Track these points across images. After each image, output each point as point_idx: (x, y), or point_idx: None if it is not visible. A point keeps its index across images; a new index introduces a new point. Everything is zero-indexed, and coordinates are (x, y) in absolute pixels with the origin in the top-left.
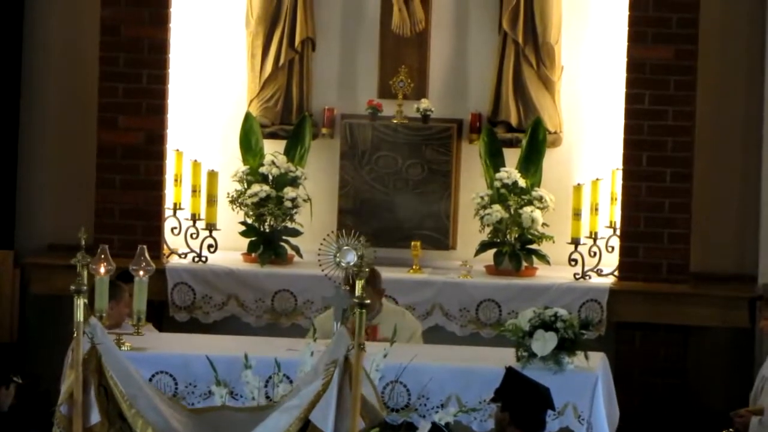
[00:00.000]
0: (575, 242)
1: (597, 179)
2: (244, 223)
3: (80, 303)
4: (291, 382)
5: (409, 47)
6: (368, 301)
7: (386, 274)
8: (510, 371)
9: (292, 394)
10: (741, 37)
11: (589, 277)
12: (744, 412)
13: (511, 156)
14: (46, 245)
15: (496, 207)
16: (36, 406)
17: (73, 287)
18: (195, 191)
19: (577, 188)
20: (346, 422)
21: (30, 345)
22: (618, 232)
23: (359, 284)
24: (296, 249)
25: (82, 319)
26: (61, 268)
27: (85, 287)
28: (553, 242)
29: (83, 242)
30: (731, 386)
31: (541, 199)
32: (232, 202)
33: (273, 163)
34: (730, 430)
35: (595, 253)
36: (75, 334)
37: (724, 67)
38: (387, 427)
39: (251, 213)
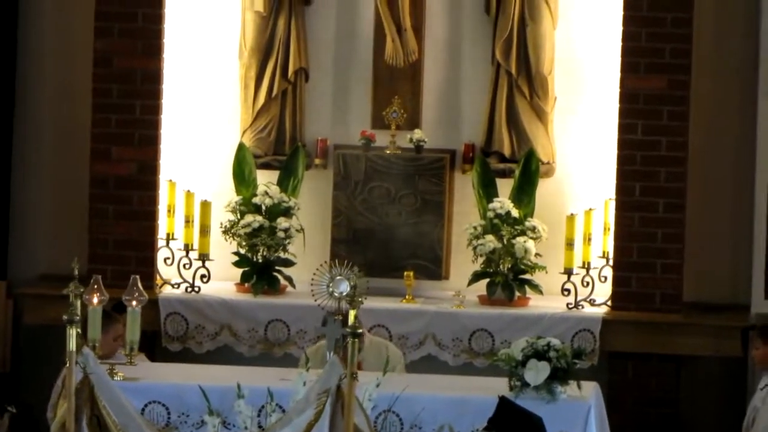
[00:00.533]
0: (568, 272)
1: (590, 209)
2: (237, 253)
3: (73, 333)
4: (284, 411)
5: (402, 78)
6: (360, 331)
7: (379, 303)
8: (503, 400)
9: (283, 423)
10: (733, 68)
11: (582, 307)
12: None
13: (504, 186)
14: (39, 275)
15: (489, 237)
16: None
17: (65, 317)
18: (188, 221)
19: (570, 218)
20: None
21: (23, 375)
22: (611, 262)
23: (352, 314)
24: (289, 279)
25: (74, 349)
26: (54, 299)
27: (77, 317)
28: (546, 272)
29: (76, 272)
30: (724, 416)
31: (534, 229)
32: (225, 232)
33: (266, 193)
34: None
35: (587, 283)
36: (67, 364)
37: (716, 97)
38: None
39: (244, 243)
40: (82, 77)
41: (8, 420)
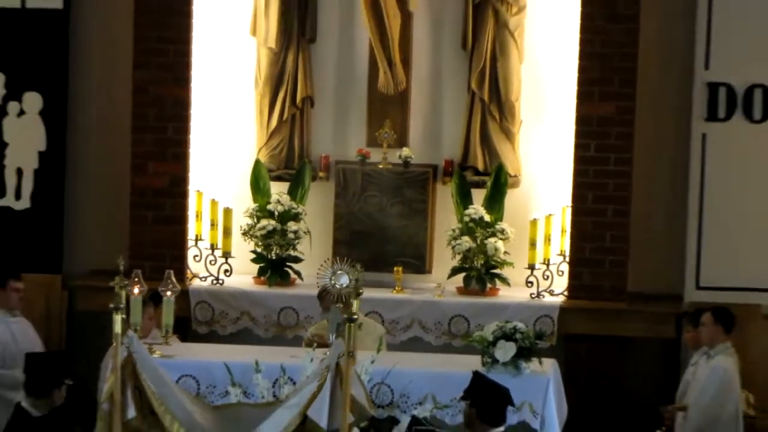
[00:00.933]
0: (531, 267)
1: (550, 215)
2: (254, 251)
3: (118, 318)
4: (294, 383)
5: (393, 104)
6: (356, 316)
7: (373, 294)
8: (476, 375)
9: (294, 394)
10: (672, 96)
11: (543, 297)
12: (671, 408)
13: (478, 195)
14: (89, 270)
15: (465, 238)
16: (82, 403)
17: (112, 305)
18: (213, 225)
19: (533, 222)
20: (337, 416)
21: (76, 353)
22: (567, 259)
23: (356, 303)
24: (298, 273)
25: (120, 332)
26: (102, 290)
27: (122, 305)
28: (513, 267)
29: (120, 268)
30: (661, 388)
31: (502, 231)
32: (245, 234)
33: (278, 201)
34: (663, 428)
35: (547, 277)
36: (114, 344)
37: (657, 120)
38: (375, 421)
39: (260, 243)
40: (123, 103)
41: (65, 390)
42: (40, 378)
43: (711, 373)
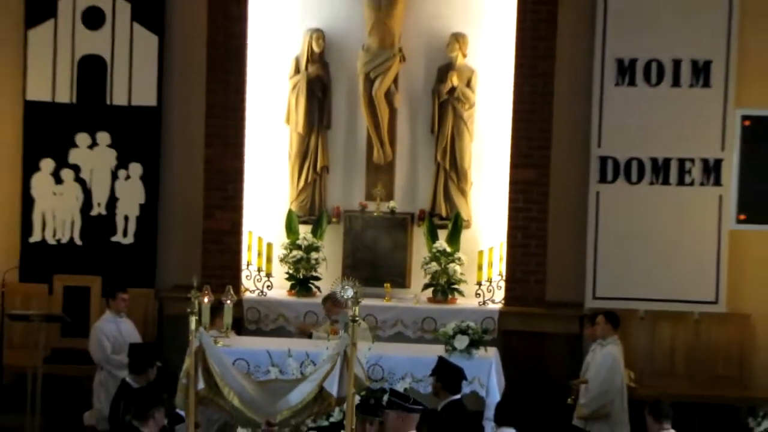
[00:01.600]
0: (479, 284)
1: (491, 247)
2: (287, 273)
3: (193, 319)
4: (315, 364)
5: (383, 171)
6: (357, 318)
7: (370, 302)
8: (441, 359)
9: (314, 372)
10: (575, 164)
11: (488, 304)
12: (576, 382)
13: (442, 234)
14: (173, 285)
15: (434, 263)
16: (168, 379)
17: (189, 310)
18: (259, 255)
19: (480, 253)
20: (344, 388)
21: (164, 345)
22: (504, 278)
23: (355, 309)
24: (318, 288)
25: (194, 328)
26: (182, 299)
27: (196, 310)
28: (466, 284)
29: (195, 284)
30: (569, 369)
31: (459, 259)
32: (281, 260)
33: (304, 238)
34: (571, 397)
35: (491, 290)
36: (190, 338)
37: (565, 181)
38: (370, 391)
39: (292, 267)
40: (197, 170)
41: (156, 370)
42: (139, 360)
43: (603, 358)
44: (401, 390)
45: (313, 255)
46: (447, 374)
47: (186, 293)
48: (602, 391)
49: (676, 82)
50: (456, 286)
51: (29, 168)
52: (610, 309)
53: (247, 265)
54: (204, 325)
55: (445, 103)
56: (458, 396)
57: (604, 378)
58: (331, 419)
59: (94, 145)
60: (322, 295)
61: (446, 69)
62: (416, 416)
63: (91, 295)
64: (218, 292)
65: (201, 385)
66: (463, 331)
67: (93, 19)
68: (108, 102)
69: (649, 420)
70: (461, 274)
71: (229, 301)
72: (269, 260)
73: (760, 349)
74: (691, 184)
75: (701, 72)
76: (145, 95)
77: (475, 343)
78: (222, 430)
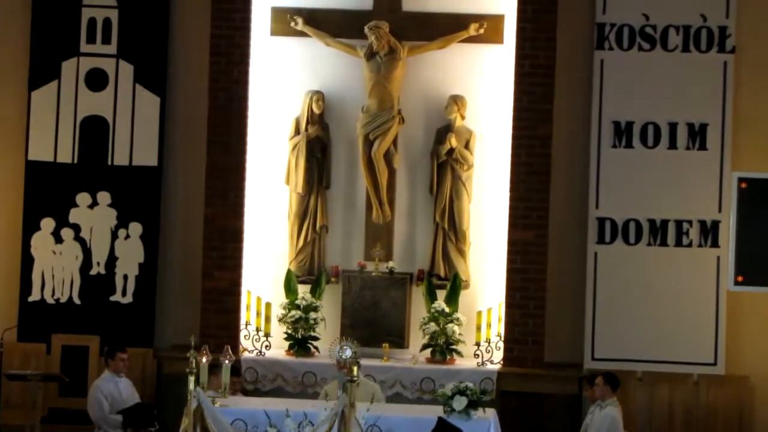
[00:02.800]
0: (477, 344)
1: (490, 308)
2: (286, 332)
3: (192, 379)
4: (313, 425)
5: (382, 231)
6: (356, 378)
7: (368, 362)
8: (440, 419)
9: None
10: (573, 226)
11: (486, 365)
12: None
13: (441, 294)
14: (171, 345)
15: (432, 324)
16: None
17: (187, 369)
18: (258, 314)
19: (479, 313)
20: None
21: (163, 404)
22: (502, 338)
23: (354, 369)
24: (316, 348)
25: (192, 388)
26: (180, 358)
27: (194, 370)
28: (465, 344)
29: (193, 343)
30: (570, 430)
31: (458, 319)
32: (280, 320)
33: (303, 298)
34: None
35: (489, 351)
36: (189, 397)
37: (564, 242)
38: None
39: (290, 327)
40: (197, 230)
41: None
42: (132, 423)
43: (602, 420)
44: None
45: (312, 315)
46: None
47: (184, 353)
48: None
49: (672, 145)
50: (454, 347)
51: (29, 227)
52: (608, 370)
53: (246, 324)
54: (202, 384)
55: (444, 164)
56: None
57: None
58: None
59: (94, 204)
60: (319, 355)
61: (445, 130)
62: None
63: (89, 355)
64: (216, 352)
65: None
66: (461, 392)
67: (96, 80)
68: (109, 162)
69: None
70: (460, 334)
71: (227, 361)
72: (268, 320)
73: (759, 410)
74: (689, 245)
75: (697, 134)
76: (146, 155)
77: (473, 404)
78: None
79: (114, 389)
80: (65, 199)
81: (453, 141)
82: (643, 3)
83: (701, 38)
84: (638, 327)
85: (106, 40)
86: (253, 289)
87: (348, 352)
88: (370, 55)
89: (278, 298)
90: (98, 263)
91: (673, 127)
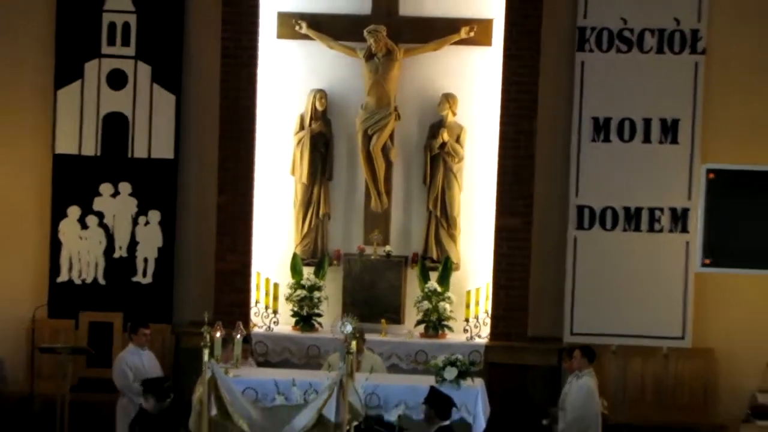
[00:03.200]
0: (467, 320)
1: (478, 288)
2: (292, 310)
3: (206, 352)
4: (317, 392)
5: (380, 218)
6: (355, 350)
7: (367, 337)
8: (432, 388)
9: (315, 399)
10: (555, 213)
11: (474, 339)
12: (554, 409)
13: (434, 275)
14: (188, 321)
15: (426, 302)
16: (180, 407)
17: (202, 343)
18: (267, 293)
19: (468, 292)
20: (341, 414)
21: (180, 375)
22: (489, 315)
23: (353, 343)
24: (320, 324)
25: (207, 360)
26: (197, 334)
27: (208, 343)
28: (455, 320)
29: (207, 320)
30: (549, 397)
31: (449, 298)
32: (287, 299)
33: (308, 279)
34: (547, 420)
35: (477, 326)
36: (203, 368)
37: (546, 228)
38: (367, 418)
39: (296, 305)
40: (210, 217)
41: (170, 401)
42: (153, 393)
43: (579, 389)
44: (396, 416)
45: (316, 294)
46: (438, 402)
47: (200, 328)
48: (578, 417)
49: (647, 139)
50: (446, 323)
51: (57, 215)
52: (586, 344)
53: (256, 303)
54: (216, 357)
55: (437, 157)
56: (448, 422)
57: (580, 407)
58: None
59: (116, 194)
60: (322, 330)
61: (437, 126)
62: None
63: (113, 330)
64: (229, 327)
65: (213, 411)
66: (452, 364)
67: (116, 80)
68: (129, 155)
69: None
70: (450, 311)
71: (239, 336)
72: (276, 299)
73: (722, 380)
74: (661, 231)
75: (670, 129)
76: (163, 149)
77: (463, 374)
78: None
79: (138, 361)
80: (90, 189)
81: (445, 136)
82: (621, 8)
83: (674, 41)
84: (613, 305)
85: (126, 43)
86: (262, 270)
87: (348, 328)
88: (369, 56)
89: (285, 279)
90: (120, 247)
91: (647, 122)
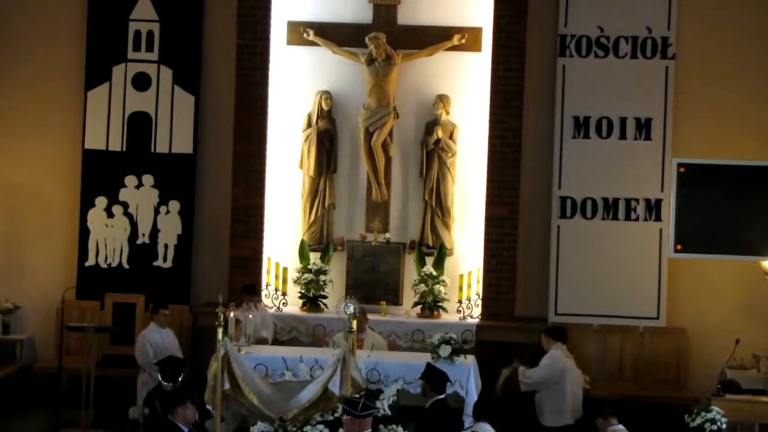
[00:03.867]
0: (460, 302)
1: (470, 272)
2: (300, 292)
3: (220, 330)
4: (322, 368)
5: (380, 208)
6: (355, 329)
7: (368, 317)
8: (428, 364)
9: (320, 374)
10: (540, 203)
11: (467, 319)
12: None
13: (429, 260)
14: (204, 302)
15: (422, 285)
16: (195, 382)
17: (216, 323)
18: (277, 277)
19: (461, 276)
20: (344, 387)
21: (197, 352)
22: (480, 297)
23: (354, 322)
24: (325, 305)
25: (221, 338)
26: (212, 314)
27: (222, 323)
28: (449, 301)
29: (221, 301)
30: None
31: (443, 281)
32: (295, 282)
33: (314, 263)
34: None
35: (470, 307)
36: (218, 345)
37: (531, 217)
38: (368, 391)
39: (304, 287)
40: (225, 207)
41: (187, 375)
42: (169, 372)
43: (546, 358)
44: (394, 390)
45: (322, 277)
46: (434, 377)
47: (215, 309)
48: (541, 377)
49: (623, 136)
50: (440, 304)
51: (86, 204)
52: (553, 325)
53: (266, 285)
54: (230, 335)
55: (432, 152)
56: (442, 396)
57: (544, 370)
58: (336, 415)
59: (140, 185)
60: (328, 310)
61: (432, 124)
62: (369, 420)
63: (136, 310)
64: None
65: (227, 385)
66: (446, 342)
67: (141, 82)
68: (152, 150)
69: (599, 421)
70: (445, 293)
71: (251, 315)
72: (285, 281)
73: (694, 357)
74: (636, 219)
75: (643, 127)
76: (183, 145)
77: (456, 352)
78: (243, 423)
79: (158, 338)
80: (116, 181)
81: (439, 133)
82: (598, 17)
83: (647, 47)
84: (594, 287)
85: (149, 49)
86: (272, 255)
87: (351, 308)
88: (370, 60)
89: (293, 264)
90: (143, 234)
91: (623, 121)
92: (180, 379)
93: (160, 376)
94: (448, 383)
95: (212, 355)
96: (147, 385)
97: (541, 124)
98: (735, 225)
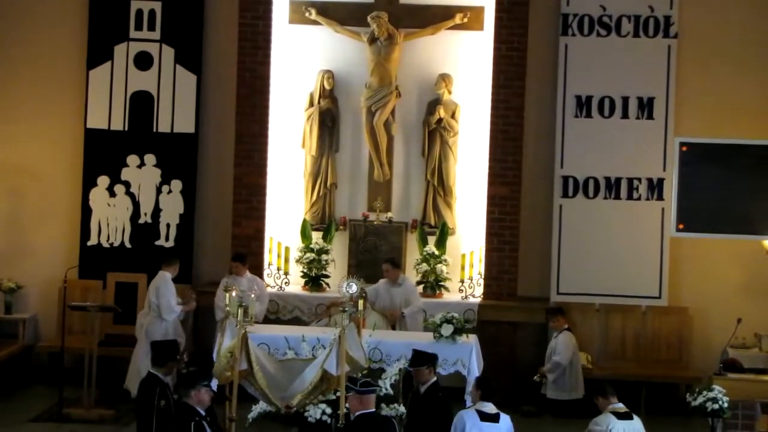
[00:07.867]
0: (462, 281)
1: (472, 251)
2: (302, 271)
3: (240, 311)
4: (324, 347)
5: (382, 187)
6: (354, 310)
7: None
8: (414, 351)
9: (321, 353)
10: (542, 182)
11: (469, 298)
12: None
13: (431, 239)
14: (206, 281)
15: (424, 264)
16: (198, 358)
17: (225, 304)
18: (279, 256)
19: (463, 255)
20: (341, 367)
21: (200, 330)
22: (482, 276)
23: (360, 302)
24: (327, 284)
25: (238, 317)
26: (214, 293)
27: (243, 303)
28: (451, 281)
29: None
30: (536, 353)
31: (445, 260)
32: (297, 261)
33: (316, 243)
34: (537, 376)
35: (472, 287)
36: (237, 326)
37: (534, 196)
38: (370, 371)
39: (306, 266)
40: (227, 186)
41: (179, 362)
42: (161, 355)
43: (562, 336)
44: (396, 370)
45: (324, 257)
46: (422, 362)
47: (215, 288)
48: (569, 358)
49: (625, 115)
50: (443, 283)
51: (88, 183)
52: (556, 305)
53: (269, 265)
54: (232, 314)
55: (434, 131)
56: (434, 378)
57: (566, 348)
58: (338, 394)
59: (142, 165)
60: (330, 290)
61: (435, 103)
62: (371, 397)
63: (138, 290)
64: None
65: (244, 365)
66: (448, 321)
67: (143, 61)
68: (154, 129)
69: (599, 401)
70: (447, 273)
71: (253, 295)
72: (287, 261)
73: (696, 336)
74: (639, 199)
75: (645, 106)
76: (185, 124)
77: (458, 331)
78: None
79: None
80: (118, 161)
81: (441, 112)
82: None
83: (649, 26)
84: (596, 266)
85: (151, 28)
86: (274, 235)
87: (353, 288)
88: (372, 40)
89: (295, 243)
90: (145, 214)
91: (625, 100)
92: (177, 362)
93: (151, 361)
94: (449, 362)
95: (216, 332)
96: (146, 330)
97: (543, 104)
98: (737, 204)
